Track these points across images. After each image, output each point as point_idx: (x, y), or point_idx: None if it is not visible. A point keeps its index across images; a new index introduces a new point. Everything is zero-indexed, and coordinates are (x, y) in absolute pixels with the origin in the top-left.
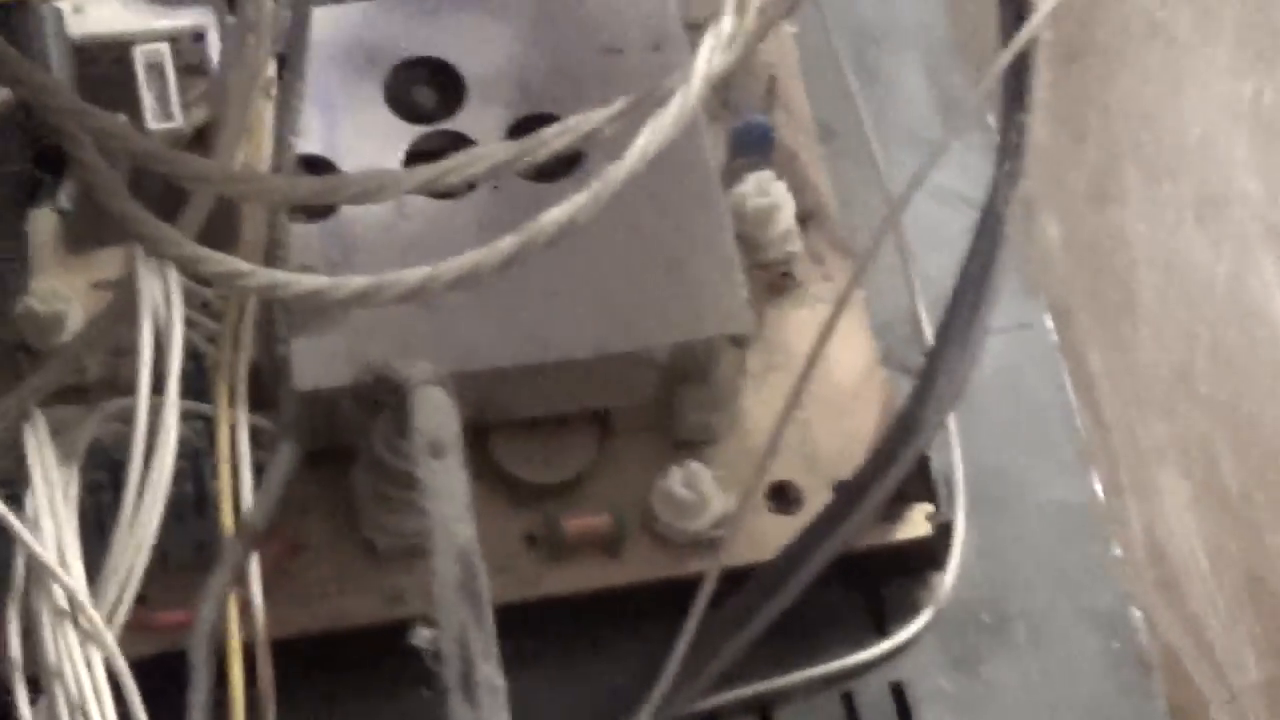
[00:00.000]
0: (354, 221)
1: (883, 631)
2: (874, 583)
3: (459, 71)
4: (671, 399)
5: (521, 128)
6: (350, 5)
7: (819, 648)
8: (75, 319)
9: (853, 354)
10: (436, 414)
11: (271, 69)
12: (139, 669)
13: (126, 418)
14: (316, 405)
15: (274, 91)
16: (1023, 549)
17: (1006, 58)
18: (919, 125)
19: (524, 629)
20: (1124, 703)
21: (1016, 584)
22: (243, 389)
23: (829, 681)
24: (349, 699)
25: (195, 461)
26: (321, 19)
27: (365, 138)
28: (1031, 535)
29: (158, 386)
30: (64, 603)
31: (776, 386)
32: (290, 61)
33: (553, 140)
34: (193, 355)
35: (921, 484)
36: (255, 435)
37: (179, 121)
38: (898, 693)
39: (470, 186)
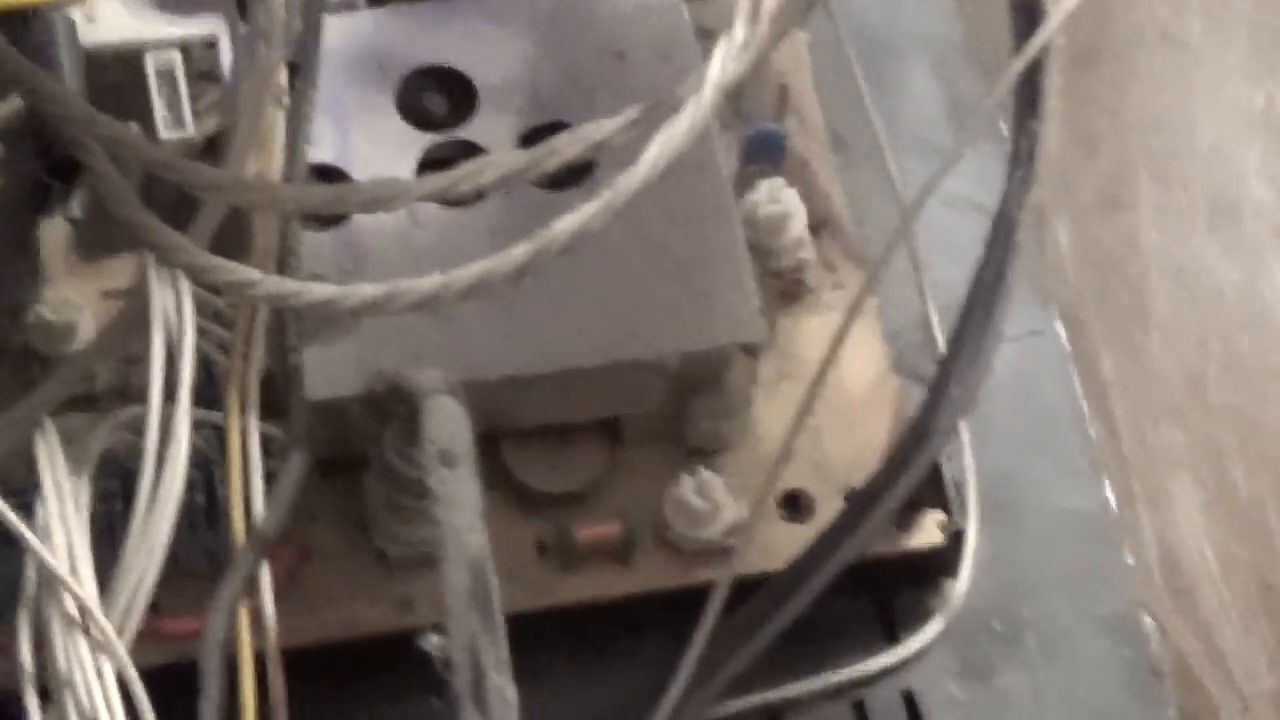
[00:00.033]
0: (366, 230)
1: (894, 639)
2: (885, 590)
3: (471, 80)
4: (683, 407)
5: (533, 136)
6: (362, 13)
7: (830, 656)
8: (86, 327)
9: (865, 362)
10: (448, 423)
11: (283, 77)
12: (150, 678)
13: (138, 426)
14: (328, 414)
15: (286, 100)
16: (1035, 557)
17: (1019, 65)
18: (931, 133)
19: (535, 638)
20: (1136, 710)
21: (1028, 592)
22: (254, 397)
23: (840, 690)
24: (360, 708)
25: (206, 470)
26: (333, 27)
27: (377, 146)
28: (1043, 543)
29: (169, 395)
30: (75, 612)
31: (788, 394)
32: (302, 70)
33: (564, 149)
34: (204, 364)
35: (933, 492)
36: (266, 444)
37: (190, 130)
38: (909, 701)
39: (482, 195)
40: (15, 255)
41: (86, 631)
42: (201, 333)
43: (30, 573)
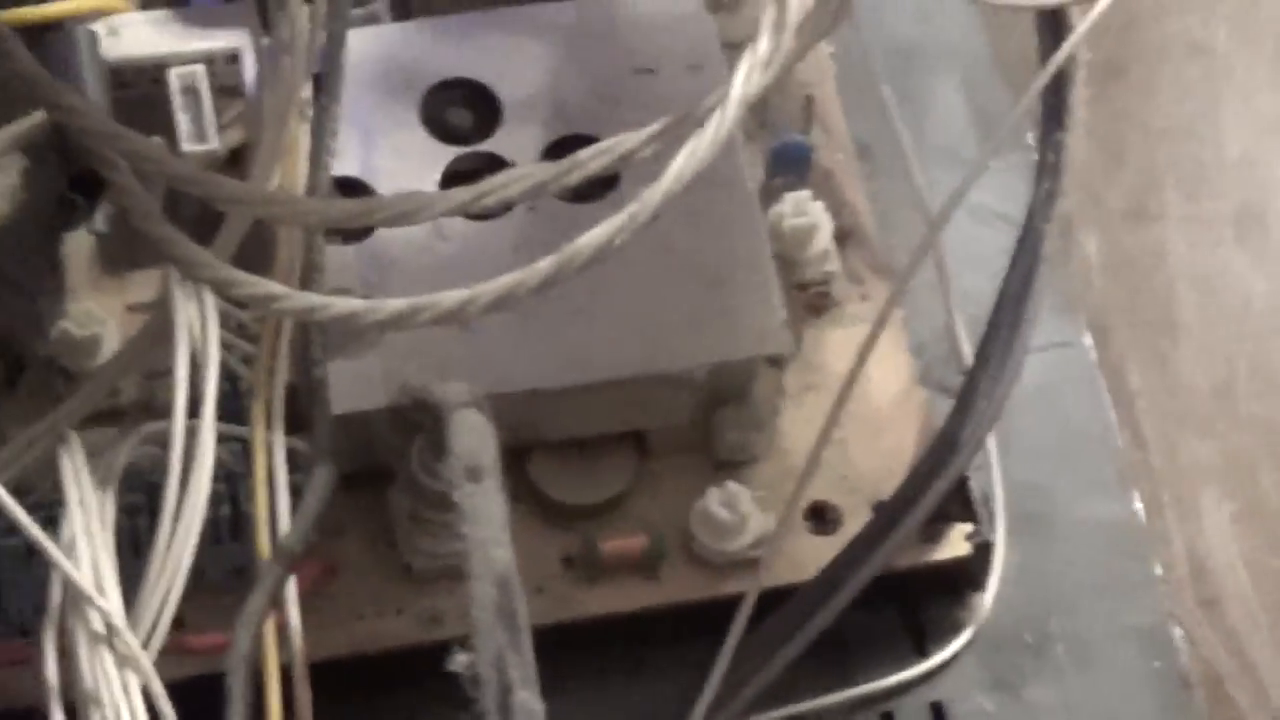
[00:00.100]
0: (390, 243)
1: (922, 651)
2: (914, 603)
3: (495, 93)
4: (709, 419)
5: (558, 149)
6: (386, 27)
7: (858, 668)
8: (111, 342)
9: (891, 374)
10: (474, 437)
11: (307, 91)
12: (176, 692)
13: (162, 441)
14: (353, 427)
15: (309, 113)
16: (1063, 568)
17: (1045, 76)
18: (957, 144)
19: (562, 650)
20: None
21: (1057, 603)
22: (279, 411)
23: (869, 702)
24: None
25: (231, 484)
26: (357, 40)
27: (401, 159)
28: (1072, 554)
29: (193, 409)
30: (100, 627)
31: (815, 406)
32: (326, 83)
33: (589, 162)
34: (228, 378)
35: (961, 504)
36: (291, 457)
37: (214, 144)
38: (938, 713)
39: (507, 208)
40: (39, 269)
41: (112, 647)
42: (226, 347)
43: (55, 588)
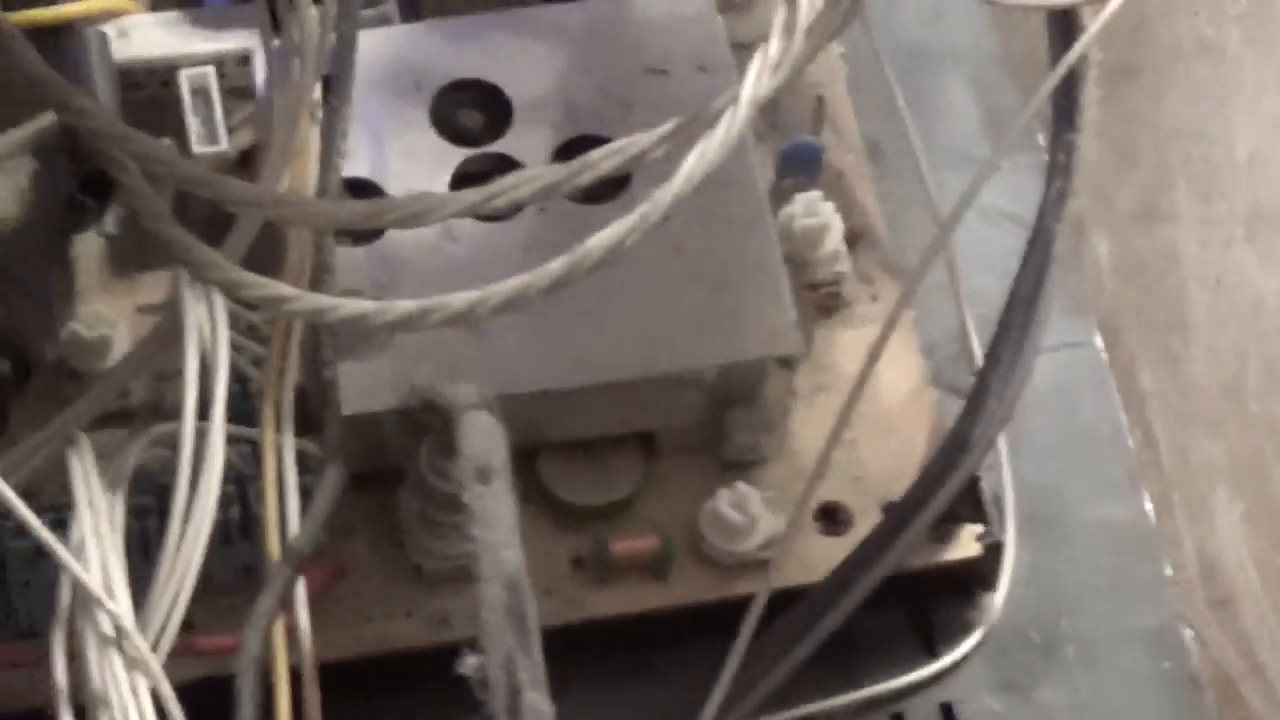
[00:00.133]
0: (400, 244)
1: (932, 652)
2: (923, 603)
3: (505, 94)
4: (719, 420)
5: (568, 150)
6: (396, 28)
7: (868, 669)
8: (120, 343)
9: (902, 374)
10: (483, 439)
11: (317, 92)
12: (185, 694)
13: (172, 442)
14: (363, 429)
15: (319, 115)
16: (1073, 569)
17: (1056, 77)
18: (968, 145)
19: (571, 652)
20: None
21: (1067, 604)
22: (288, 413)
23: (879, 703)
24: None
25: (241, 486)
26: (367, 42)
27: (411, 161)
28: (1082, 555)
29: (203, 411)
30: (110, 630)
31: (825, 407)
32: (336, 84)
33: (600, 163)
34: (238, 379)
35: (971, 504)
36: (301, 459)
37: (224, 145)
38: (947, 714)
39: (517, 209)
40: (49, 271)
41: (121, 649)
42: (236, 348)
43: (65, 590)
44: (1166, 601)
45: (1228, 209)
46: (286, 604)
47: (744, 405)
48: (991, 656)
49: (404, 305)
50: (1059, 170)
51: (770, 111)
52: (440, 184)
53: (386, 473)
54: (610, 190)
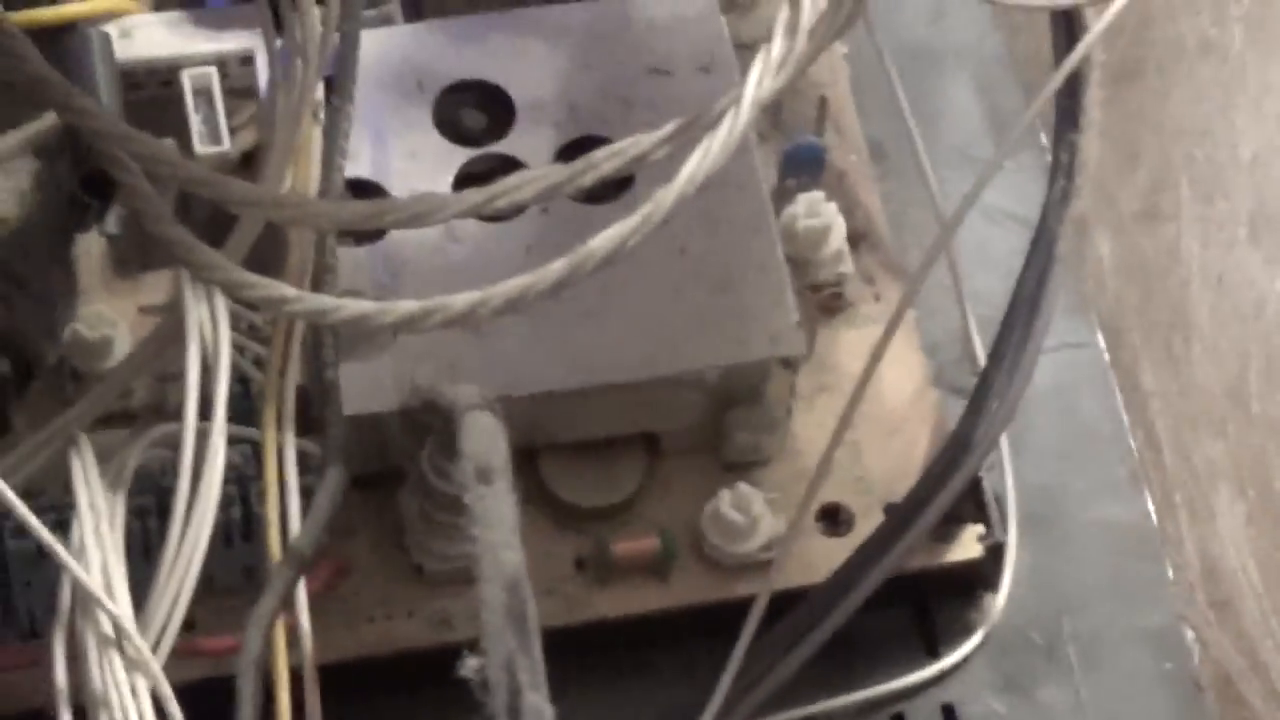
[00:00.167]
0: (402, 245)
1: (934, 653)
2: (925, 604)
3: (508, 94)
4: (721, 421)
5: (571, 150)
6: (399, 28)
7: (870, 670)
8: (122, 344)
9: (904, 375)
10: (485, 439)
11: (320, 92)
12: (186, 694)
13: (173, 443)
14: (364, 429)
15: (322, 115)
16: (1075, 570)
17: (1059, 77)
18: (971, 145)
19: (573, 652)
20: None
21: (1068, 605)
22: (290, 413)
23: (880, 704)
24: None
25: (242, 486)
26: (370, 42)
27: (414, 161)
28: (1084, 555)
29: (204, 411)
30: (110, 630)
31: (827, 408)
32: (338, 85)
33: (602, 163)
34: (240, 379)
35: (973, 505)
36: (302, 459)
37: (226, 146)
38: (949, 715)
39: (520, 210)
40: (51, 271)
41: (121, 650)
42: (237, 349)
43: (65, 591)
44: (1168, 602)
45: (1231, 209)
46: (287, 604)
47: (746, 406)
48: (993, 657)
49: (406, 306)
50: (1062, 170)
51: (773, 112)
52: (443, 184)
53: (388, 473)
54: (613, 191)
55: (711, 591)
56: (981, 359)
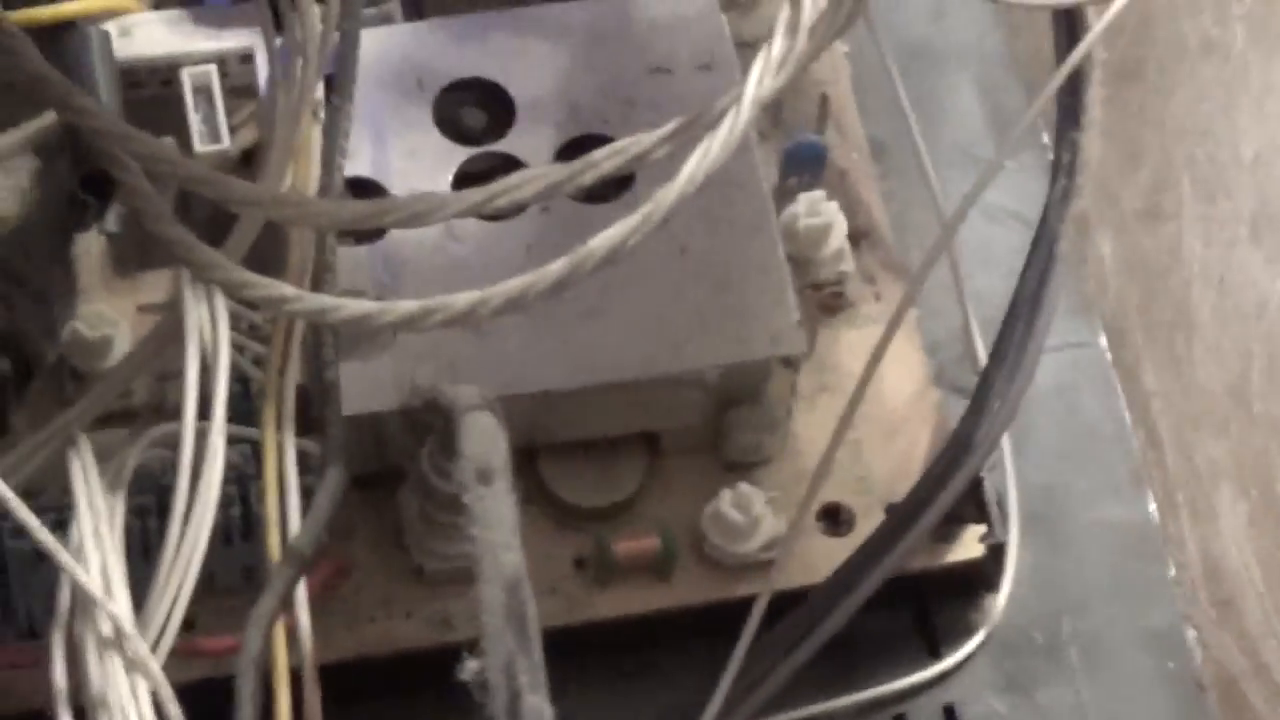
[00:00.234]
0: (403, 244)
1: (935, 653)
2: (926, 604)
3: (508, 93)
4: (722, 421)
5: (571, 149)
6: (399, 27)
7: (871, 670)
8: (122, 342)
9: (905, 374)
10: (484, 439)
11: (320, 91)
12: (186, 694)
13: (172, 442)
14: (364, 429)
15: (322, 114)
16: (1077, 570)
17: (1061, 76)
18: (972, 144)
19: (573, 653)
20: None
21: (1070, 605)
22: (290, 413)
23: (881, 704)
24: None
25: (242, 486)
26: (370, 40)
27: (414, 160)
28: (1085, 556)
29: (204, 411)
30: (109, 631)
31: (828, 407)
32: (338, 83)
33: (603, 162)
34: (239, 379)
35: (974, 505)
36: (302, 459)
37: (226, 144)
38: (950, 715)
39: (520, 209)
40: (51, 270)
41: (121, 650)
42: (237, 348)
43: (64, 591)
44: (1170, 602)
45: (1232, 208)
46: (287, 604)
47: (747, 405)
48: (994, 657)
49: (406, 305)
50: (1063, 169)
51: (774, 111)
52: (443, 183)
53: (388, 473)
54: (613, 190)
55: (712, 591)
56: (983, 358)
